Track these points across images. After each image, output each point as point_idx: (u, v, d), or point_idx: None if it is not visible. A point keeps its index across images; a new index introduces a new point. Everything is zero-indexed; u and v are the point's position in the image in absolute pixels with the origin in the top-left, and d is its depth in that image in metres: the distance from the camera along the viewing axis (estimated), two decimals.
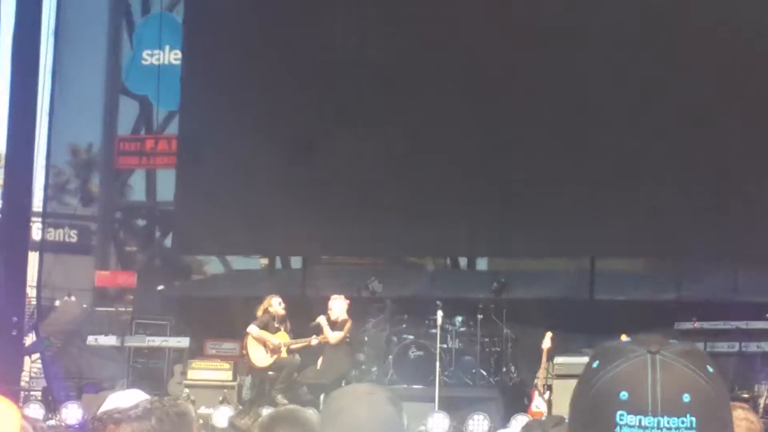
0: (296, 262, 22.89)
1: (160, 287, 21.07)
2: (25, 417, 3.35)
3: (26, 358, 21.38)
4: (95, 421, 2.47)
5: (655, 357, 1.80)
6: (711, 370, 1.82)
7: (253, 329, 16.41)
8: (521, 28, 19.55)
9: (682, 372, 1.79)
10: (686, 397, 1.77)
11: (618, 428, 1.76)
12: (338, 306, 16.25)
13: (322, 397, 15.67)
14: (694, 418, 1.76)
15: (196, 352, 18.19)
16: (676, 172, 18.46)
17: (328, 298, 16.83)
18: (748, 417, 3.20)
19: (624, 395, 1.77)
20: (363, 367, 17.06)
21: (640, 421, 1.76)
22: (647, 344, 1.82)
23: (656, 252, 20.13)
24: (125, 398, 4.08)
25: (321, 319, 16.17)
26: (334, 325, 16.16)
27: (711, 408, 1.79)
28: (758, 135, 18.04)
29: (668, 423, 1.75)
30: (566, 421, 1.96)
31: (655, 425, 1.76)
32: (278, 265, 24.15)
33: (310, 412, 3.61)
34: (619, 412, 1.77)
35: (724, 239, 18.23)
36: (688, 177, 18.43)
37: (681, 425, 1.75)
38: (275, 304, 16.55)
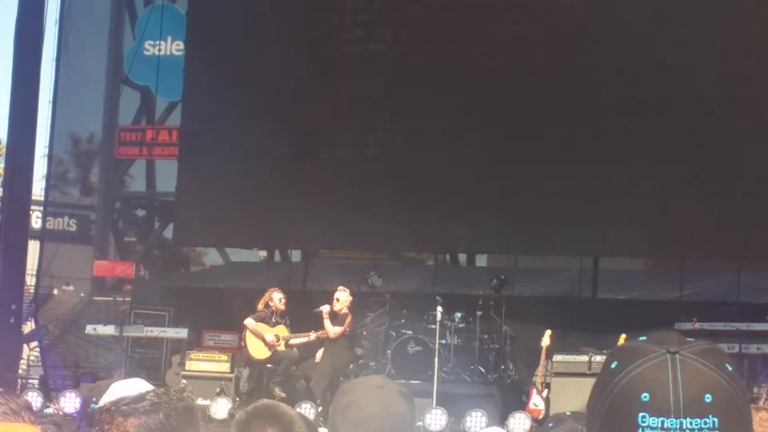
0: (295, 255, 22.85)
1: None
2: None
3: (24, 346, 21.38)
4: (103, 412, 2.42)
5: (675, 357, 1.76)
6: (730, 368, 1.79)
7: (249, 322, 16.33)
8: (527, 24, 19.52)
9: (703, 372, 1.76)
10: (708, 398, 1.74)
11: (640, 430, 1.74)
12: (343, 298, 16.21)
13: (318, 390, 15.69)
14: (716, 419, 1.73)
15: (194, 343, 18.14)
16: (679, 173, 18.44)
17: (327, 292, 16.77)
18: None
19: (645, 396, 1.74)
20: (361, 361, 17.00)
21: (662, 422, 1.73)
22: (666, 344, 1.79)
23: (659, 252, 20.11)
24: (129, 387, 4.05)
25: (324, 308, 16.11)
26: (335, 318, 16.10)
27: (732, 407, 1.76)
28: (762, 136, 18.02)
29: (691, 424, 1.73)
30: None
31: (678, 426, 1.73)
32: (277, 257, 24.14)
33: (288, 407, 3.55)
34: (641, 414, 1.74)
35: (726, 240, 18.22)
36: (692, 178, 18.41)
37: (704, 426, 1.73)
38: (275, 299, 16.48)
